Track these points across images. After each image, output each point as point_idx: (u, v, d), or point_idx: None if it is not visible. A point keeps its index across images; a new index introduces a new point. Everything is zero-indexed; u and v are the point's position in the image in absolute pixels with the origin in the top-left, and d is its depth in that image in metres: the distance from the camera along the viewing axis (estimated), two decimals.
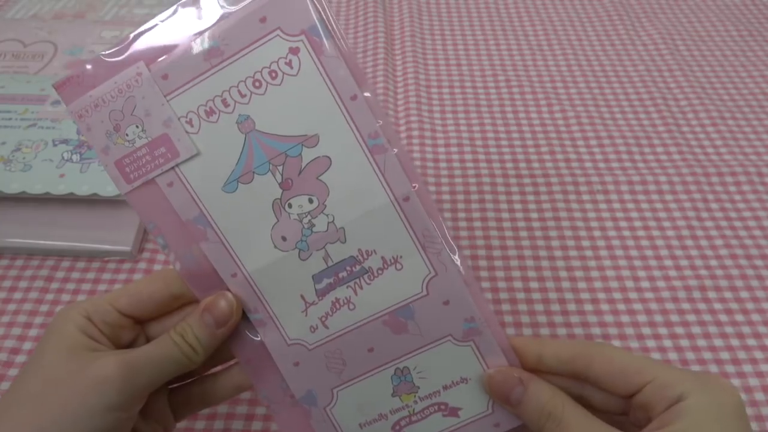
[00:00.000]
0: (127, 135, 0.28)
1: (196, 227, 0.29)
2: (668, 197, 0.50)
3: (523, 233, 0.48)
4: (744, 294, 0.44)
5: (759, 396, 0.38)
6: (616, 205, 0.49)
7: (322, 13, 0.27)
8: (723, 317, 0.42)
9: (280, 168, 0.28)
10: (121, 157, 0.28)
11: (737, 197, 0.50)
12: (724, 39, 0.66)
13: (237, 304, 0.29)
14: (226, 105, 0.28)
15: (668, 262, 0.46)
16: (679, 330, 0.42)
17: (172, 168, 0.28)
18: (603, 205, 0.50)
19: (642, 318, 0.42)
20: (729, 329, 0.42)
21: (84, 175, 0.46)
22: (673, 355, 0.41)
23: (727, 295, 0.44)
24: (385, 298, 0.29)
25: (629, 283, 0.44)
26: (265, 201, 0.28)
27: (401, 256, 0.29)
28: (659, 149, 0.54)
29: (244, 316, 0.30)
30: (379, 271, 0.29)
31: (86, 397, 0.26)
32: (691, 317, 0.42)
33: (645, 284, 0.44)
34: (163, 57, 0.28)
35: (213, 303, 0.29)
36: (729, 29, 0.67)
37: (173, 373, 0.29)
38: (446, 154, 0.54)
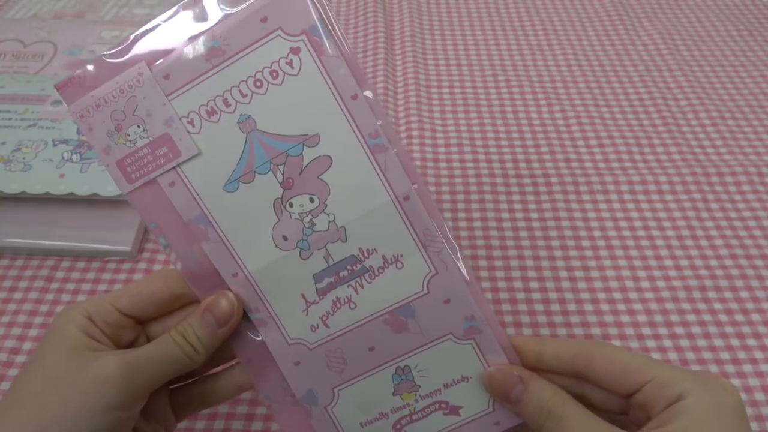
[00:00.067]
0: (128, 135, 0.28)
1: (198, 227, 0.29)
2: (668, 197, 0.50)
3: (523, 233, 0.48)
4: (744, 294, 0.44)
5: (759, 396, 0.38)
6: (616, 205, 0.50)
7: (323, 13, 0.27)
8: (723, 317, 0.42)
9: (281, 167, 0.28)
10: (123, 157, 0.28)
11: (737, 197, 0.50)
12: (724, 39, 0.66)
13: (238, 304, 0.29)
14: (228, 105, 0.28)
15: (668, 262, 0.46)
16: (679, 330, 0.42)
17: (174, 168, 0.28)
18: (603, 205, 0.50)
19: (642, 318, 0.43)
20: (729, 329, 0.42)
21: (84, 175, 0.46)
22: (673, 355, 0.41)
23: (727, 295, 0.44)
24: (386, 297, 0.29)
25: (629, 283, 0.44)
26: (266, 200, 0.28)
27: (402, 255, 0.29)
28: (659, 149, 0.54)
29: (245, 316, 0.30)
30: (380, 270, 0.29)
31: (87, 397, 0.26)
32: (691, 317, 0.42)
33: (645, 284, 0.44)
34: (165, 57, 0.28)
35: (214, 302, 0.29)
36: (729, 29, 0.67)
37: (174, 373, 0.29)
38: (446, 154, 0.54)
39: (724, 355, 0.40)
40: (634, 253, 0.46)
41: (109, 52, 0.28)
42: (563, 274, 0.45)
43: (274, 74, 0.27)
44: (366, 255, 0.29)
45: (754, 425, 0.37)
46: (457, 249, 0.29)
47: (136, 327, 0.31)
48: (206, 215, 0.29)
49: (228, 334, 0.29)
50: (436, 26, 0.69)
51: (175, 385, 0.32)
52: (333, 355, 0.30)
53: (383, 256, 0.29)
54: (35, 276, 0.45)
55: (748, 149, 0.54)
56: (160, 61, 0.28)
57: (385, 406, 0.30)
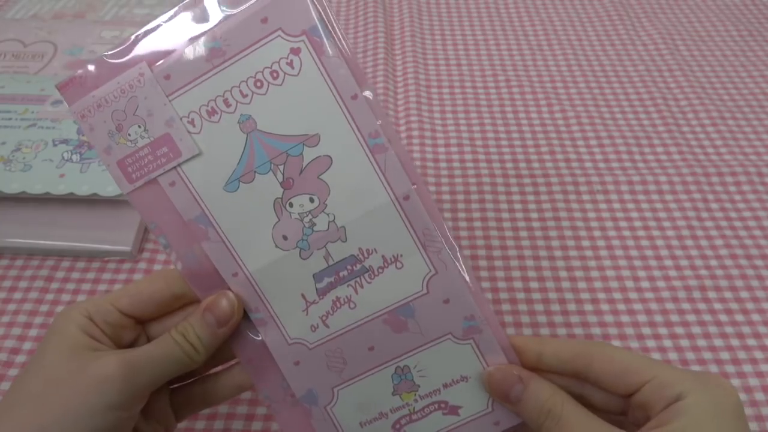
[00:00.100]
0: (129, 135, 0.28)
1: (198, 227, 0.29)
2: (668, 197, 0.50)
3: (523, 233, 0.48)
4: (744, 294, 0.44)
5: (759, 396, 0.39)
6: (616, 205, 0.50)
7: (323, 13, 0.27)
8: (723, 317, 0.42)
9: (282, 167, 0.28)
10: (124, 156, 0.29)
11: (737, 197, 0.50)
12: (724, 39, 0.66)
13: (238, 304, 0.29)
14: (228, 105, 0.28)
15: (668, 262, 0.46)
16: (679, 330, 0.42)
17: (174, 167, 0.28)
18: (603, 205, 0.50)
19: (642, 318, 0.43)
20: (729, 329, 0.42)
21: (84, 175, 0.46)
22: (673, 355, 0.41)
23: (727, 295, 0.44)
24: (386, 297, 0.29)
25: (629, 283, 0.44)
26: (267, 200, 0.28)
27: (402, 255, 0.29)
28: (659, 149, 0.54)
29: (245, 316, 0.30)
30: (380, 270, 0.29)
31: (87, 397, 0.26)
32: (691, 317, 0.42)
33: (645, 284, 0.44)
34: (166, 57, 0.28)
35: (214, 302, 0.29)
36: (729, 29, 0.67)
37: (174, 373, 0.29)
38: (446, 154, 0.54)
39: (724, 355, 0.41)
40: (634, 253, 0.46)
41: (110, 53, 0.28)
42: (563, 274, 0.45)
43: (275, 74, 0.28)
44: (366, 255, 0.29)
45: (754, 425, 0.37)
46: (457, 249, 0.29)
47: (137, 327, 0.31)
48: (206, 215, 0.29)
49: (228, 334, 0.29)
50: (436, 26, 0.69)
51: (175, 385, 0.32)
52: (333, 354, 0.30)
53: (383, 256, 0.29)
54: (35, 276, 0.45)
55: (748, 149, 0.54)
56: (161, 61, 0.28)
57: (384, 406, 0.30)
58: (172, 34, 0.28)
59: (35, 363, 0.28)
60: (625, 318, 0.43)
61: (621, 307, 0.43)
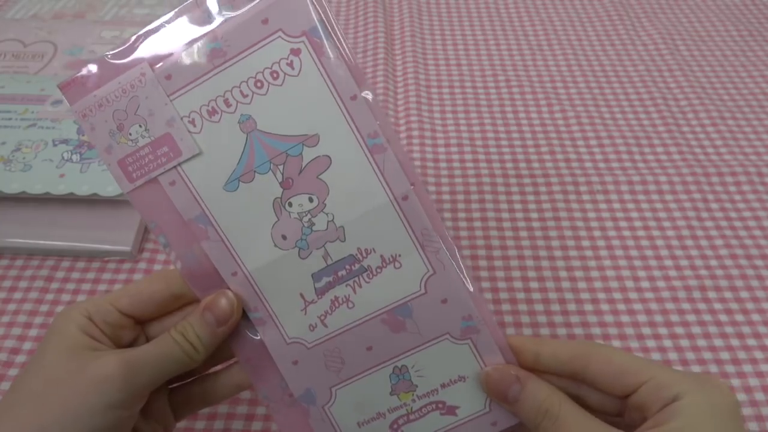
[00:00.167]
0: (130, 134, 0.28)
1: (198, 226, 0.29)
2: (668, 197, 0.50)
3: (523, 233, 0.48)
4: (744, 294, 0.44)
5: (759, 396, 0.39)
6: (616, 205, 0.50)
7: (323, 14, 0.27)
8: (723, 317, 0.42)
9: (281, 167, 0.28)
10: (124, 156, 0.29)
11: (737, 197, 0.50)
12: (724, 39, 0.66)
13: (237, 303, 0.29)
14: (228, 105, 0.28)
15: (668, 262, 0.46)
16: (679, 330, 0.42)
17: (175, 167, 0.28)
18: (603, 205, 0.50)
19: (642, 318, 0.43)
20: (729, 329, 0.42)
21: (84, 175, 0.47)
22: (673, 355, 0.41)
23: (727, 295, 0.44)
24: (384, 297, 0.29)
25: (629, 283, 0.44)
26: (266, 200, 0.28)
27: (400, 255, 0.29)
28: (659, 149, 0.54)
29: (244, 315, 0.30)
30: (378, 270, 0.29)
31: (87, 396, 0.26)
32: (691, 317, 0.42)
33: (645, 284, 0.44)
34: (167, 58, 0.28)
35: (214, 301, 0.29)
36: (729, 29, 0.67)
37: (174, 372, 0.29)
38: (446, 154, 0.54)
39: (724, 355, 0.41)
40: (634, 253, 0.46)
41: (111, 53, 0.28)
42: (563, 274, 0.45)
43: (275, 75, 0.28)
44: (364, 255, 0.29)
45: (754, 425, 0.37)
46: (455, 249, 0.29)
47: (136, 327, 0.31)
48: (206, 214, 0.29)
49: (227, 333, 0.29)
50: (436, 26, 0.69)
51: (174, 385, 0.32)
52: (331, 354, 0.30)
53: (381, 256, 0.29)
54: (35, 276, 0.45)
55: (748, 149, 0.54)
56: (162, 61, 0.28)
57: (382, 406, 0.30)
58: (174, 35, 0.28)
59: (35, 363, 0.28)
60: (625, 318, 0.43)
61: (621, 307, 0.43)
